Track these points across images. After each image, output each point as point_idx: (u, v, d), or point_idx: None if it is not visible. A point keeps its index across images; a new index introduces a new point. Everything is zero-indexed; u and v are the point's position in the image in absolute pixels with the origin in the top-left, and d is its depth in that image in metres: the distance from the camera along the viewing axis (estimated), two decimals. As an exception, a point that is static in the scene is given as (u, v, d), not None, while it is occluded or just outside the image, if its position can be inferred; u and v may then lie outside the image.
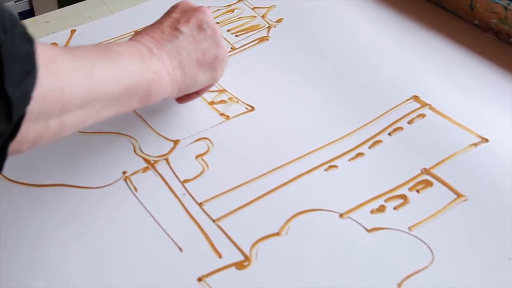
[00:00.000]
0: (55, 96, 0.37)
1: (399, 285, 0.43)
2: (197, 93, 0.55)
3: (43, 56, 0.36)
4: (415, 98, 0.58)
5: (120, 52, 0.45)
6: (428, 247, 0.45)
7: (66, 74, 0.38)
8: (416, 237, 0.46)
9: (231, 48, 0.67)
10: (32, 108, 0.35)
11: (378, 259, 0.45)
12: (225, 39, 0.68)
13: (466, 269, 0.44)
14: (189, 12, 0.53)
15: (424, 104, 0.57)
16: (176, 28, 0.51)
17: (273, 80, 0.62)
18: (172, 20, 0.52)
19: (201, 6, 0.54)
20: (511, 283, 0.43)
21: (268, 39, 0.68)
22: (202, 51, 0.51)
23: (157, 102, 0.49)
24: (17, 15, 0.35)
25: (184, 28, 0.51)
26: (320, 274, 0.44)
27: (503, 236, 0.46)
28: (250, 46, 0.67)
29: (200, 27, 0.52)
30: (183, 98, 0.55)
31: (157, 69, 0.47)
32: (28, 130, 0.36)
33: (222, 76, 0.55)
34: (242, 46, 0.67)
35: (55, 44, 0.69)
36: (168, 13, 0.53)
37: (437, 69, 0.61)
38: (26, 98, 0.35)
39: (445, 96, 0.58)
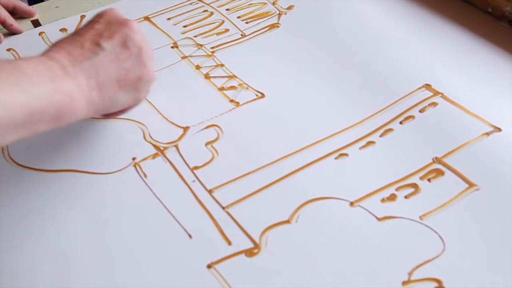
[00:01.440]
0: None
1: (410, 274, 0.43)
2: (121, 111, 0.51)
3: None
4: (427, 86, 0.57)
5: (26, 71, 0.41)
6: (439, 236, 0.45)
7: None
8: (427, 226, 0.46)
9: (241, 35, 0.66)
10: None
11: (389, 248, 0.44)
12: (235, 25, 0.68)
13: (478, 259, 0.43)
14: (114, 25, 0.48)
15: (436, 93, 0.56)
16: (97, 44, 0.46)
17: (283, 67, 0.61)
18: (95, 33, 0.47)
19: (129, 20, 0.49)
20: (523, 274, 0.42)
21: (278, 26, 0.67)
22: (124, 71, 0.47)
23: (71, 123, 0.45)
24: None
25: (106, 44, 0.46)
26: (330, 262, 0.44)
27: (515, 226, 0.45)
28: (261, 33, 0.66)
29: (125, 44, 0.47)
30: (108, 116, 0.52)
31: (70, 91, 0.43)
32: None
33: (146, 97, 0.52)
34: (252, 33, 0.66)
35: (64, 29, 0.69)
36: (91, 23, 0.49)
37: (450, 57, 0.61)
38: None
39: (457, 84, 0.57)
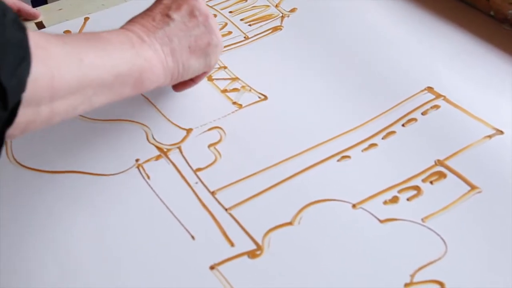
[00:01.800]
0: (46, 82, 0.37)
1: (412, 276, 0.43)
2: (193, 81, 0.55)
3: (34, 42, 0.36)
4: (429, 89, 0.57)
5: (110, 39, 0.45)
6: (442, 238, 0.45)
7: (56, 61, 0.39)
8: (429, 228, 0.46)
9: (244, 37, 0.67)
10: (24, 94, 0.36)
11: (391, 250, 0.45)
12: (238, 28, 0.68)
13: (480, 261, 0.43)
14: None
15: (438, 95, 0.57)
16: (167, 15, 0.50)
17: (286, 70, 0.62)
18: (163, 7, 0.51)
19: None
20: (525, 276, 0.42)
21: (281, 29, 0.67)
22: (194, 37, 0.51)
23: (151, 90, 0.49)
24: (5, 3, 0.36)
25: (175, 15, 0.50)
26: (332, 264, 0.44)
27: (517, 229, 0.45)
28: (264, 36, 0.67)
29: (192, 13, 0.51)
30: (179, 86, 0.55)
31: (148, 56, 0.47)
32: (20, 115, 0.37)
33: (216, 63, 0.54)
34: (255, 36, 0.67)
35: (68, 31, 0.69)
36: (159, 0, 0.52)
37: (452, 60, 0.61)
38: (21, 85, 0.35)
39: (459, 87, 0.57)
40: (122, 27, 0.49)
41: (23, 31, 0.36)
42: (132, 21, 0.50)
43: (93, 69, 0.42)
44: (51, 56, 0.38)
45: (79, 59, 0.41)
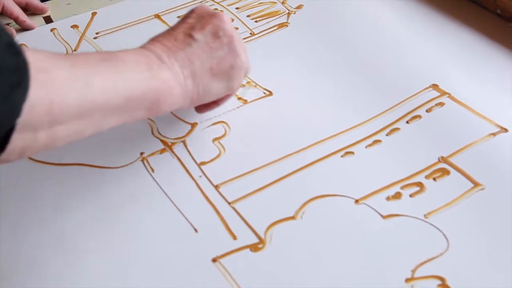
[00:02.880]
0: (43, 108, 0.36)
1: (413, 271, 0.43)
2: (216, 103, 0.52)
3: (36, 66, 0.35)
4: (434, 86, 0.57)
5: (125, 60, 0.43)
6: (444, 235, 0.45)
7: (58, 85, 0.37)
8: (431, 224, 0.46)
9: (251, 33, 0.67)
10: (19, 120, 0.34)
11: (393, 245, 0.45)
12: (244, 24, 0.68)
13: (481, 257, 0.44)
14: (205, 18, 0.50)
15: (443, 93, 0.57)
16: (190, 35, 0.48)
17: (291, 66, 0.62)
18: (187, 26, 0.49)
19: (219, 12, 0.51)
20: (526, 273, 0.42)
21: (287, 25, 0.68)
22: (217, 59, 0.49)
23: (170, 111, 0.46)
24: (2, 27, 0.35)
25: (198, 35, 0.48)
26: (334, 258, 0.44)
27: (520, 226, 0.45)
28: (270, 32, 0.67)
29: (216, 34, 0.49)
30: (202, 108, 0.53)
31: (167, 78, 0.45)
32: (15, 141, 0.35)
33: (239, 86, 0.52)
34: (261, 32, 0.67)
35: (75, 26, 0.70)
36: (184, 18, 0.51)
37: (457, 58, 0.61)
38: (14, 111, 0.34)
39: (464, 85, 0.57)
40: (142, 46, 0.47)
41: (18, 55, 0.34)
42: (153, 40, 0.48)
43: (101, 93, 0.40)
44: (52, 80, 0.37)
45: (87, 82, 0.39)
